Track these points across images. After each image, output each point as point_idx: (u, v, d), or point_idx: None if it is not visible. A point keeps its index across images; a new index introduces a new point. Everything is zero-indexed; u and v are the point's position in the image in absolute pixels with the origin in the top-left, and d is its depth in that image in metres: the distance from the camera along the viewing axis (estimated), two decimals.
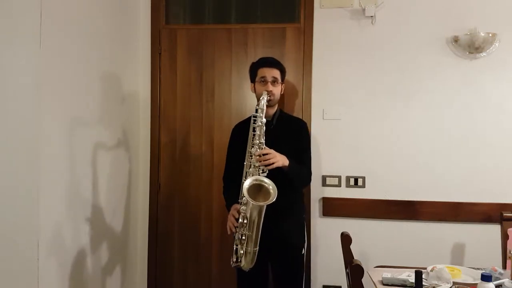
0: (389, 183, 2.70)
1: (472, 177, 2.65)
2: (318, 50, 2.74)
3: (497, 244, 2.24)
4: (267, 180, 1.92)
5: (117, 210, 2.58)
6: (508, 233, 2.04)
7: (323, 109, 2.74)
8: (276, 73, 2.16)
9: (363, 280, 1.60)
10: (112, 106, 2.48)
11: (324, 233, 2.74)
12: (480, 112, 2.64)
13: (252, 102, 2.68)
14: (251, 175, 1.96)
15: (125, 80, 2.64)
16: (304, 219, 2.28)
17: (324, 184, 2.75)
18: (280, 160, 1.97)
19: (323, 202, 2.74)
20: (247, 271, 2.00)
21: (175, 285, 2.88)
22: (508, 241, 2.03)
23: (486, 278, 1.47)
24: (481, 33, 2.53)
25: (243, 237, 1.93)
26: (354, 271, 1.60)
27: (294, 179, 2.09)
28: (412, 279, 1.73)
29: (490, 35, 2.55)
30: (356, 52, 2.72)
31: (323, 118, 2.75)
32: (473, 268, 1.92)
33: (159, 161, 2.88)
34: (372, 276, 1.88)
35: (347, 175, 2.73)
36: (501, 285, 1.65)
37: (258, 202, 1.88)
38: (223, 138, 2.75)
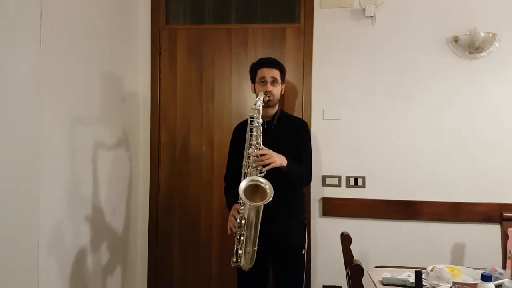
0: (389, 183, 2.70)
1: (472, 177, 2.65)
2: (318, 50, 2.74)
3: (497, 244, 2.24)
4: (263, 180, 1.92)
5: (117, 210, 2.58)
6: (508, 233, 2.04)
7: (323, 109, 2.74)
8: (276, 73, 2.16)
9: (363, 280, 1.60)
10: (112, 106, 2.48)
11: (324, 233, 2.74)
12: (480, 112, 2.64)
13: (252, 102, 2.67)
14: (249, 175, 1.96)
15: (125, 80, 2.64)
16: (305, 219, 2.28)
17: (324, 184, 2.75)
18: (278, 160, 1.97)
19: (323, 202, 2.74)
20: (246, 270, 2.00)
21: (175, 285, 2.88)
22: (508, 241, 2.03)
23: (486, 278, 1.47)
24: (481, 33, 2.53)
25: (242, 237, 1.94)
26: (354, 271, 1.60)
27: (294, 178, 2.09)
28: (412, 279, 1.73)
29: (490, 35, 2.55)
30: (356, 52, 2.72)
31: (323, 118, 2.75)
32: (473, 268, 1.93)
33: (159, 161, 2.88)
34: (372, 276, 1.88)
35: (347, 175, 2.74)
36: (501, 285, 1.65)
37: (255, 202, 1.88)
38: (223, 138, 2.76)
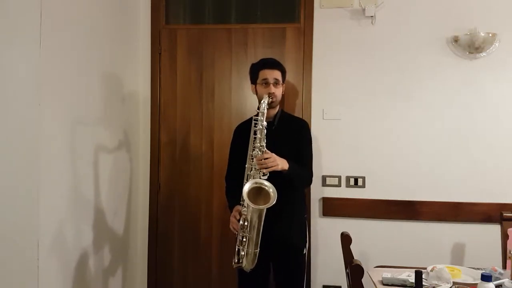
0: (389, 183, 2.70)
1: (472, 177, 2.64)
2: (318, 50, 2.74)
3: (497, 244, 2.24)
4: (267, 183, 1.93)
5: (117, 210, 2.58)
6: (508, 233, 2.04)
7: (323, 109, 2.74)
8: (278, 74, 2.16)
9: (363, 280, 1.60)
10: (112, 106, 2.48)
11: (324, 233, 2.74)
12: (480, 112, 2.64)
13: (253, 102, 2.69)
14: (252, 177, 1.97)
15: (125, 80, 2.64)
16: (306, 219, 2.28)
17: (324, 184, 2.75)
18: (280, 164, 1.98)
19: (323, 202, 2.74)
20: (248, 271, 2.00)
21: (175, 285, 2.88)
22: (508, 241, 2.03)
23: (486, 278, 1.47)
24: (481, 33, 2.53)
25: (244, 239, 1.95)
26: (354, 271, 1.60)
27: (294, 179, 2.09)
28: (412, 279, 1.73)
29: (490, 35, 2.55)
30: (356, 52, 2.72)
31: (323, 118, 2.75)
32: (473, 268, 1.92)
33: (159, 161, 2.88)
34: (372, 276, 1.88)
35: (347, 175, 2.73)
36: (501, 285, 1.65)
37: (258, 205, 1.88)
38: (223, 138, 2.76)
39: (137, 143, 2.85)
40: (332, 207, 2.73)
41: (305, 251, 2.19)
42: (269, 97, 2.07)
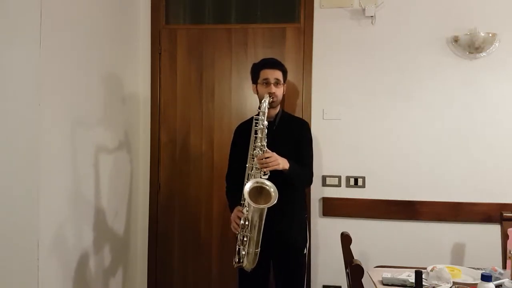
0: (389, 183, 2.70)
1: (472, 177, 2.64)
2: (318, 50, 2.74)
3: (497, 244, 2.24)
4: (268, 183, 1.93)
5: (117, 210, 2.58)
6: (508, 233, 2.04)
7: (323, 109, 2.74)
8: (279, 74, 2.16)
9: (363, 280, 1.60)
10: (112, 106, 2.48)
11: (324, 233, 2.74)
12: (480, 112, 2.64)
13: (253, 102, 2.69)
14: (253, 177, 1.98)
15: (125, 80, 2.64)
16: (306, 219, 2.28)
17: (324, 184, 2.75)
18: (281, 163, 1.98)
19: (323, 202, 2.74)
20: (249, 271, 2.01)
21: (175, 285, 2.88)
22: (508, 241, 2.03)
23: (486, 278, 1.47)
24: (481, 33, 2.53)
25: (245, 239, 1.95)
26: (354, 271, 1.60)
27: (295, 179, 2.10)
28: (412, 279, 1.73)
29: (490, 35, 2.55)
30: (356, 52, 2.72)
31: (323, 118, 2.75)
32: (473, 268, 1.93)
33: (159, 161, 2.88)
34: (372, 276, 1.88)
35: (347, 175, 2.74)
36: (501, 285, 1.65)
37: (259, 204, 1.88)
38: (223, 138, 2.76)
39: (137, 143, 2.85)
40: (332, 207, 2.73)
41: (305, 251, 2.19)
42: (270, 96, 2.07)
